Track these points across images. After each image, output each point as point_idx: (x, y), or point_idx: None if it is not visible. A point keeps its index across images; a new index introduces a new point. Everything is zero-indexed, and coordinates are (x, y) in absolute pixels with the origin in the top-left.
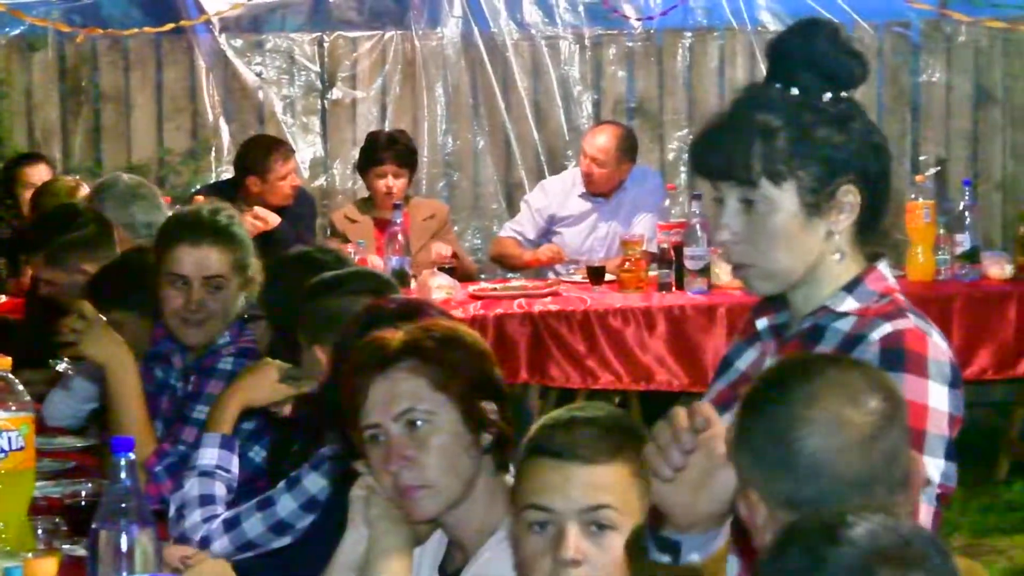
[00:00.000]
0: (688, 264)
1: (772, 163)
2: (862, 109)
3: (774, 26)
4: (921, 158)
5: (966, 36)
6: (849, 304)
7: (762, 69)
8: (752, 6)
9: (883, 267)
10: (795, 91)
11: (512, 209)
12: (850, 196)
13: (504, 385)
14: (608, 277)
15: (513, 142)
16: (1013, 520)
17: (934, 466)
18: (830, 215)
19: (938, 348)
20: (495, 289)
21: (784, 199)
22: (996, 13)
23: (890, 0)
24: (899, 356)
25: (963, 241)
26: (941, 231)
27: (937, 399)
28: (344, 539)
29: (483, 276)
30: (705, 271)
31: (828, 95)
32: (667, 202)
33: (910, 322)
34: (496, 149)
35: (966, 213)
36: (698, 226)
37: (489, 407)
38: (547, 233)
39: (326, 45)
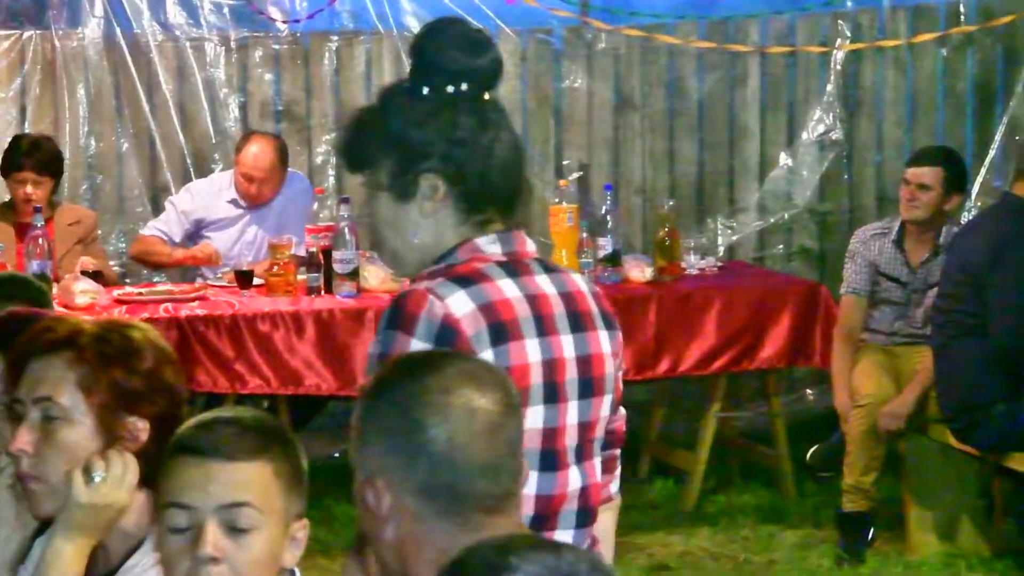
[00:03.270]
0: (337, 268)
1: (363, 151)
2: (482, 105)
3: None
4: (564, 163)
5: (606, 44)
6: (429, 270)
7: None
8: (398, 10)
9: (482, 240)
10: (413, 86)
11: (158, 213)
12: (437, 185)
13: (178, 404)
14: (256, 281)
15: (158, 145)
16: (654, 518)
17: None
18: (416, 201)
19: (435, 308)
20: (140, 293)
21: (379, 186)
22: (634, 22)
23: (532, 7)
24: (395, 315)
25: (605, 244)
26: (584, 235)
27: None
28: None
29: (128, 280)
30: (354, 274)
31: (451, 88)
32: (315, 206)
33: (424, 284)
34: (141, 152)
35: (608, 217)
36: (346, 230)
37: (137, 424)
38: (194, 237)
39: None
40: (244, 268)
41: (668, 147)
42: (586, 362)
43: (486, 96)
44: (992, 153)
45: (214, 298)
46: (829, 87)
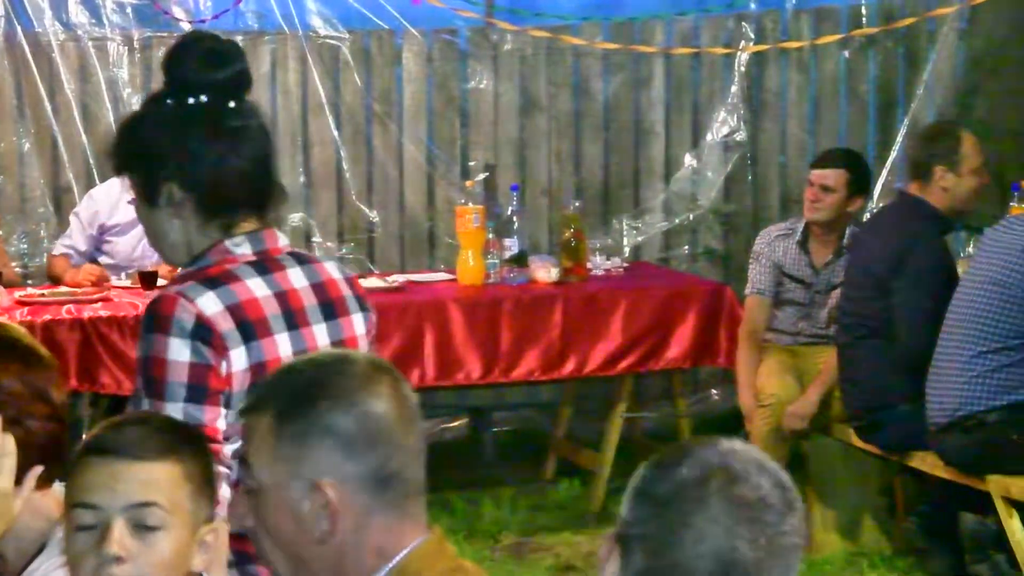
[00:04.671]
0: None
1: (119, 158)
2: (223, 116)
3: (324, 30)
4: (470, 164)
5: (511, 44)
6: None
7: (314, 72)
8: (303, 11)
9: (231, 242)
10: (162, 97)
11: (61, 214)
12: (173, 191)
13: (38, 395)
14: (161, 282)
15: (61, 145)
16: (560, 518)
17: (175, 409)
18: (163, 206)
19: (186, 308)
20: (43, 295)
21: (135, 190)
22: (540, 23)
23: (437, 8)
24: (149, 319)
25: (511, 245)
26: (490, 235)
27: (176, 352)
28: None
29: (30, 282)
30: None
31: (191, 100)
32: None
33: (175, 288)
34: (43, 152)
35: (514, 218)
36: None
37: None
38: (98, 242)
39: None
40: (148, 269)
41: (574, 148)
42: (341, 347)
43: (231, 105)
44: (894, 154)
45: (118, 299)
46: (733, 88)
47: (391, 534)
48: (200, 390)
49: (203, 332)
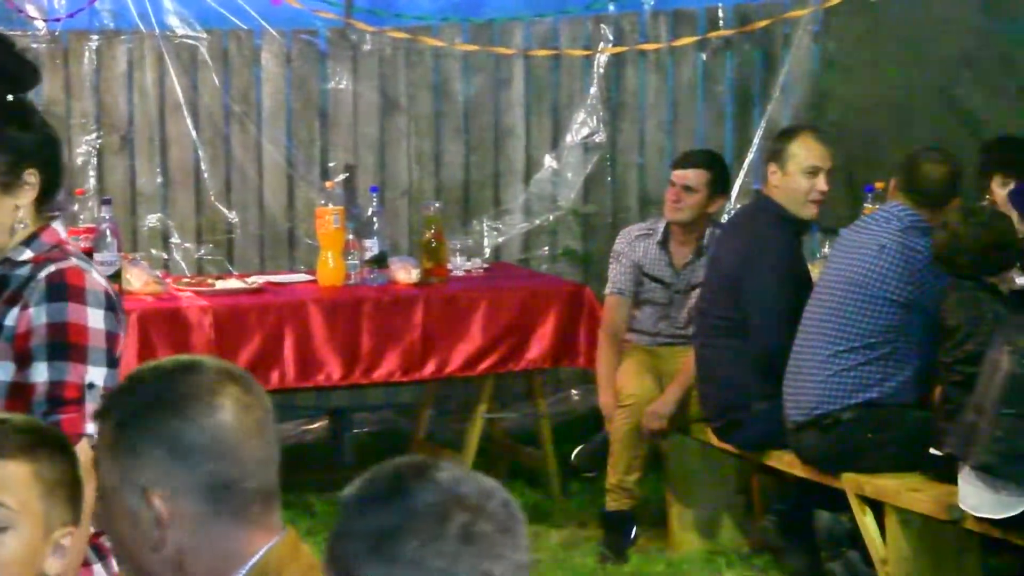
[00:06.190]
0: (98, 270)
1: None
2: (35, 107)
3: (182, 30)
4: (330, 164)
5: (371, 45)
6: (26, 255)
7: (171, 72)
8: (160, 10)
9: (57, 225)
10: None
11: None
12: (32, 178)
13: None
14: None
15: None
16: None
17: (98, 373)
18: (18, 194)
19: (95, 281)
20: None
21: None
22: (399, 23)
23: (296, 8)
24: (62, 289)
25: (372, 246)
26: (350, 236)
27: (95, 320)
28: None
29: None
30: (116, 277)
31: (10, 96)
32: (76, 207)
33: (71, 263)
34: None
35: (374, 219)
36: (108, 231)
37: None
38: None
39: None
40: None
41: (434, 149)
42: None
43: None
44: (751, 156)
45: None
46: (592, 90)
47: (236, 541)
48: (115, 357)
49: (111, 302)
